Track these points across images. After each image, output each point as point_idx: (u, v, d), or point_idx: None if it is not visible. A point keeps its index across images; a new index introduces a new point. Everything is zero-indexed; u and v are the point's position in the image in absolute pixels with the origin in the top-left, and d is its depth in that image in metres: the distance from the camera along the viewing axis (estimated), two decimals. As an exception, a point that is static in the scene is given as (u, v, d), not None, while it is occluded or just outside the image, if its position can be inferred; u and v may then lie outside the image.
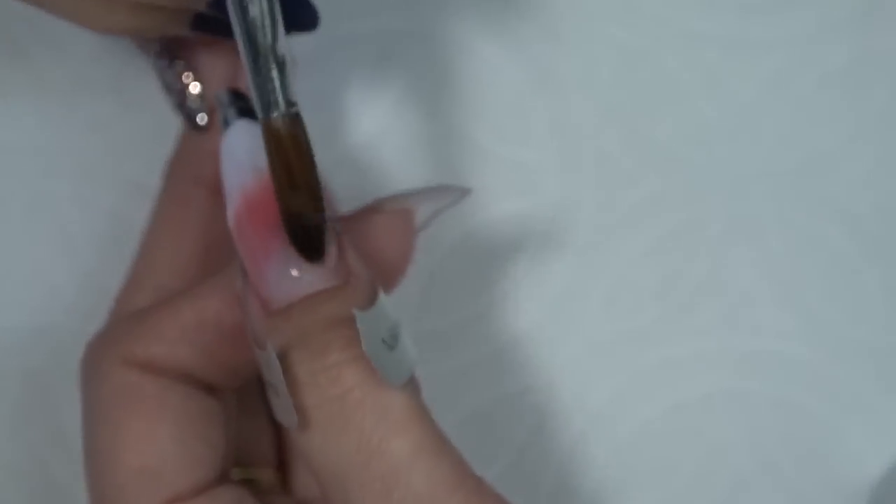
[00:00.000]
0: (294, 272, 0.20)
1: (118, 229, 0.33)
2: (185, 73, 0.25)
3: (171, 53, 0.25)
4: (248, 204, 0.20)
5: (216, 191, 0.22)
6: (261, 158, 0.20)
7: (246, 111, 0.22)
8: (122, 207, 0.33)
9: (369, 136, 0.33)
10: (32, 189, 0.33)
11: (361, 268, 0.20)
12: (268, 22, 0.20)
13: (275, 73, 0.20)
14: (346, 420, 0.20)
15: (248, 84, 0.20)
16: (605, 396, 0.33)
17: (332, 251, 0.20)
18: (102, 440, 0.22)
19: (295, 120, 0.20)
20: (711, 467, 0.33)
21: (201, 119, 0.25)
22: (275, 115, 0.20)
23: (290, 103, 0.20)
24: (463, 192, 0.24)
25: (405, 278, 0.33)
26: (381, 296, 0.21)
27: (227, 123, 0.21)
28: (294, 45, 0.33)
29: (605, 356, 0.33)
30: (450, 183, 0.33)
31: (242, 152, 0.21)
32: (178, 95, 0.25)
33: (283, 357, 0.20)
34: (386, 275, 0.23)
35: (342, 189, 0.33)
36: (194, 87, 0.25)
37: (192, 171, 0.26)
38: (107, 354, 0.22)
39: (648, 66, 0.34)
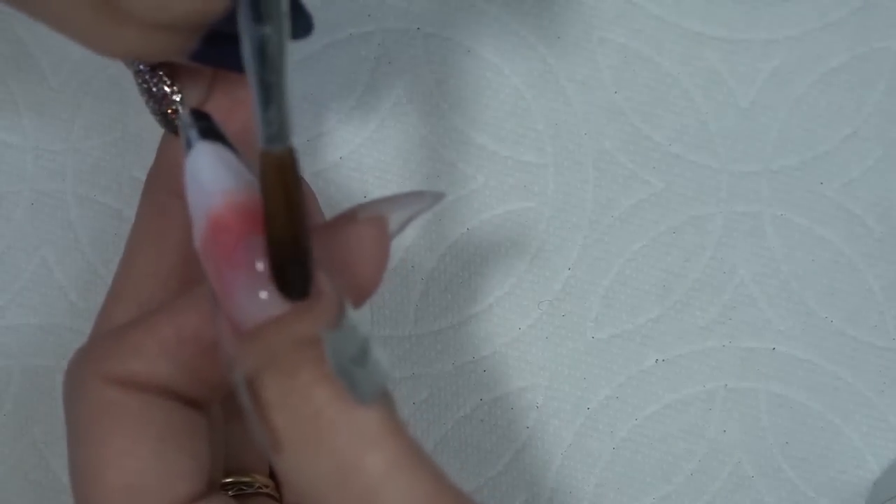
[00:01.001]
0: (262, 294, 0.20)
1: (122, 229, 0.33)
2: (166, 79, 0.25)
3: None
4: (213, 227, 0.20)
5: None
6: (225, 181, 0.20)
7: (208, 132, 0.22)
8: (125, 207, 0.33)
9: (369, 136, 0.33)
10: (36, 189, 0.33)
11: (329, 285, 0.20)
12: (279, 55, 0.20)
13: (283, 105, 0.20)
14: (319, 440, 0.19)
15: (253, 113, 0.20)
16: (605, 396, 0.33)
17: None
18: (86, 458, 0.22)
19: (294, 154, 0.20)
20: (711, 467, 0.33)
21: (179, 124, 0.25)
22: (279, 147, 0.20)
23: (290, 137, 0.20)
24: (436, 197, 0.24)
25: (404, 280, 0.33)
26: (351, 312, 0.21)
27: (189, 145, 0.21)
28: (295, 46, 0.33)
29: (605, 356, 0.33)
30: (452, 182, 0.33)
31: (206, 175, 0.21)
32: (159, 101, 0.25)
33: (255, 379, 0.20)
34: (361, 284, 0.23)
35: (342, 190, 0.33)
36: (175, 93, 0.25)
37: (170, 182, 0.26)
38: (87, 372, 0.22)
39: (648, 66, 0.34)
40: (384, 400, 0.20)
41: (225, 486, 0.25)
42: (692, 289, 0.33)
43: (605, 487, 0.33)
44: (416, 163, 0.33)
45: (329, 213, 0.33)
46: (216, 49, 0.23)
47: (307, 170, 0.33)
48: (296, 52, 0.33)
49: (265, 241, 0.20)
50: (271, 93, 0.20)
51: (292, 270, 0.20)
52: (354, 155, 0.33)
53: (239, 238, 0.20)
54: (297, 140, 0.34)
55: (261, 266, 0.20)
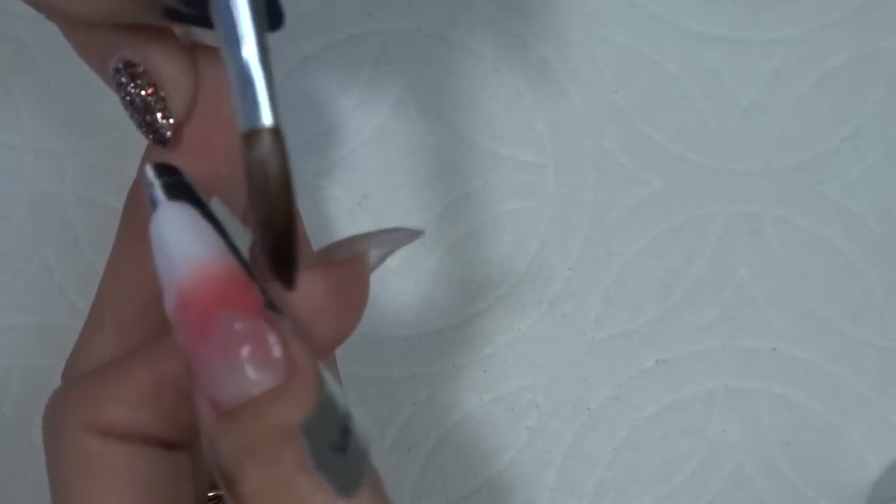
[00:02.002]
0: (238, 372, 0.19)
1: (120, 229, 0.33)
2: (148, 89, 0.24)
3: (131, 69, 0.24)
4: (183, 302, 0.19)
5: None
6: (193, 249, 0.19)
7: (175, 188, 0.20)
8: (124, 208, 0.33)
9: (370, 136, 0.33)
10: (36, 189, 0.33)
11: (304, 356, 0.20)
12: (259, 16, 0.19)
13: (265, 76, 0.19)
14: None
15: (230, 88, 0.19)
16: (605, 396, 0.33)
17: (274, 343, 0.19)
18: None
19: (281, 133, 0.19)
20: (711, 467, 0.33)
21: (167, 134, 0.25)
22: (264, 124, 0.19)
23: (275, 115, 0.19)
24: (414, 234, 0.23)
25: (404, 280, 0.33)
26: (328, 384, 0.20)
27: (154, 205, 0.20)
28: (296, 46, 0.33)
29: (605, 356, 0.33)
30: (452, 182, 0.33)
31: (172, 242, 0.20)
32: (142, 112, 0.25)
33: (236, 469, 0.19)
34: (341, 325, 0.22)
35: (343, 190, 0.33)
36: (159, 100, 0.25)
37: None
38: (67, 420, 0.21)
39: (648, 66, 0.34)
40: (369, 480, 0.20)
41: (210, 500, 0.25)
42: (692, 289, 0.33)
43: (605, 487, 0.33)
44: (416, 163, 0.33)
45: (329, 211, 0.33)
46: (193, 3, 0.22)
47: (307, 170, 0.33)
48: (296, 53, 0.33)
49: (255, 229, 0.19)
50: (251, 54, 0.19)
51: (285, 257, 0.19)
52: (354, 155, 0.33)
53: (210, 314, 0.19)
54: (298, 140, 0.34)
55: (237, 345, 0.19)
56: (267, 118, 0.19)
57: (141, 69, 0.24)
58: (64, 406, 0.21)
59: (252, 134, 0.19)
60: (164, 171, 0.21)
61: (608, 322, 0.33)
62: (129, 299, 0.24)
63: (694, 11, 0.34)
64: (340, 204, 0.33)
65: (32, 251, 0.33)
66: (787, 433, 0.33)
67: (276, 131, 0.19)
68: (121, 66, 0.24)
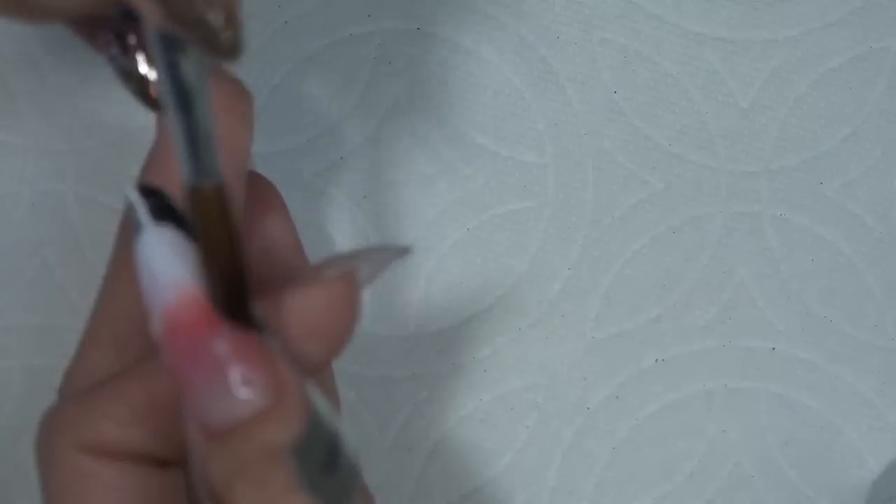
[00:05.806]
0: (228, 394, 0.19)
1: (121, 229, 0.33)
2: (143, 61, 0.24)
3: (123, 41, 0.24)
4: (170, 325, 0.19)
5: None
6: (178, 271, 0.19)
7: (159, 210, 0.20)
8: (124, 207, 0.33)
9: (370, 135, 0.33)
10: (36, 189, 0.33)
11: (293, 377, 0.20)
12: (199, 81, 0.19)
13: (208, 135, 0.19)
14: None
15: (176, 142, 0.19)
16: (604, 396, 0.33)
17: (262, 365, 0.19)
18: None
19: (224, 190, 0.19)
20: (711, 467, 0.33)
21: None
22: (209, 182, 0.19)
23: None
24: (403, 251, 0.23)
25: (403, 280, 0.33)
26: (317, 403, 0.20)
27: (138, 227, 0.20)
28: (296, 46, 0.33)
29: (605, 356, 0.33)
30: (452, 182, 0.33)
31: (158, 264, 0.20)
32: (138, 83, 0.24)
33: (228, 490, 0.19)
34: (332, 345, 0.22)
35: (343, 190, 0.33)
36: (154, 73, 0.24)
37: None
38: (59, 439, 0.21)
39: (648, 66, 0.34)
40: (359, 500, 0.20)
41: None
42: (692, 289, 0.33)
43: (604, 487, 0.33)
44: (416, 163, 0.33)
45: (329, 211, 0.33)
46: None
47: (307, 170, 0.33)
48: (296, 52, 0.33)
49: (207, 281, 0.19)
50: (194, 123, 0.19)
51: (238, 301, 0.19)
52: (354, 155, 0.33)
53: (198, 336, 0.19)
54: (298, 140, 0.34)
55: (224, 368, 0.19)
56: (211, 173, 0.19)
57: (133, 42, 0.24)
58: (56, 425, 0.21)
59: (193, 191, 0.19)
60: (148, 193, 0.21)
61: (608, 322, 0.33)
62: (126, 315, 0.23)
63: (694, 11, 0.34)
64: (340, 204, 0.33)
65: (32, 251, 0.33)
66: (787, 433, 0.33)
67: (218, 187, 0.19)
68: (113, 38, 0.24)
